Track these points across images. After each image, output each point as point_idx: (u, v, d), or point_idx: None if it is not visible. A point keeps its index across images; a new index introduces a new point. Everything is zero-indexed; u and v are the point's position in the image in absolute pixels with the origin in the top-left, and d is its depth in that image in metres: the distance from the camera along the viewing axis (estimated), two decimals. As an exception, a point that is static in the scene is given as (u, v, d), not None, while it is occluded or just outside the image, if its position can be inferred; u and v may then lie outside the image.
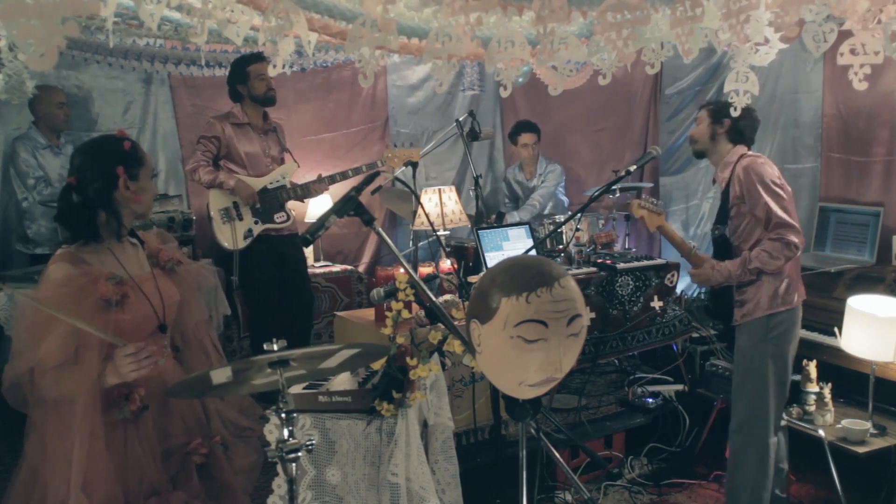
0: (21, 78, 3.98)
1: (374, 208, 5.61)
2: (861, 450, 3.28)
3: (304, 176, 4.96)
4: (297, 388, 2.40)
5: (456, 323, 2.04)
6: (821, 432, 3.37)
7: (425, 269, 3.74)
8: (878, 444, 3.32)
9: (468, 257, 4.61)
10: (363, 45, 2.21)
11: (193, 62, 4.86)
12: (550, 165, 5.55)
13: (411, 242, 4.93)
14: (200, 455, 2.18)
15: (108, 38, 3.56)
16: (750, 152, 3.13)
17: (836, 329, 3.48)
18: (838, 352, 3.52)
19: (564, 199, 5.64)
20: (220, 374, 1.73)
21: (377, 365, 2.51)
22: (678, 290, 4.34)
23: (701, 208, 5.90)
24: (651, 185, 5.84)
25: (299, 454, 1.77)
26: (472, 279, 3.44)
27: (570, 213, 5.18)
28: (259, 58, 4.27)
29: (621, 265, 3.91)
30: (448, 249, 4.72)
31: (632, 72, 5.43)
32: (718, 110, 3.14)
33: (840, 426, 3.41)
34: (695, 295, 4.98)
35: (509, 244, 4.01)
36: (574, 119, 6.20)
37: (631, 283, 3.95)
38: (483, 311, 1.56)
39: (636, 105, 5.98)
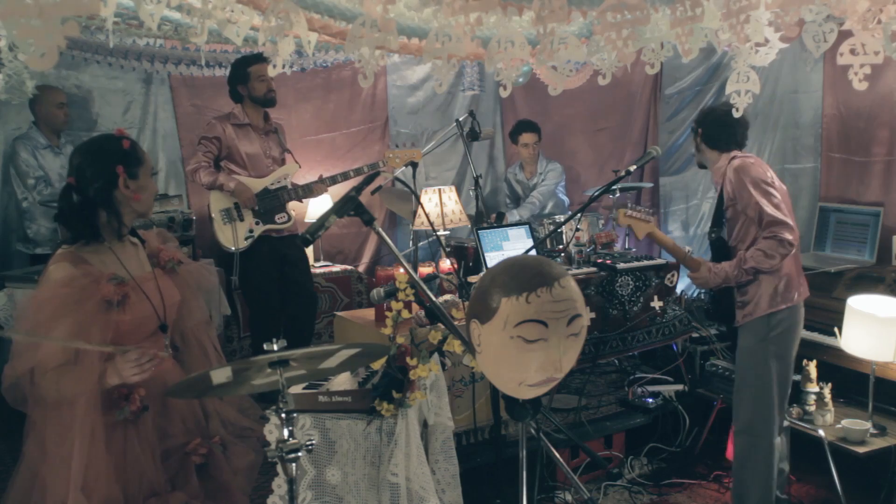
0: (21, 78, 3.98)
1: (374, 208, 5.61)
2: (861, 450, 3.27)
3: (304, 176, 4.96)
4: (297, 388, 2.40)
5: (456, 323, 2.04)
6: (821, 432, 3.37)
7: (425, 269, 3.74)
8: (878, 444, 3.32)
9: (468, 257, 4.60)
10: (363, 45, 2.21)
11: (193, 62, 4.87)
12: (550, 164, 5.55)
13: (411, 242, 4.94)
14: (199, 455, 2.18)
15: (108, 38, 3.57)
16: (741, 154, 3.14)
17: (836, 329, 3.48)
18: (838, 352, 3.52)
19: (565, 198, 5.64)
20: (220, 375, 1.73)
21: (377, 365, 2.51)
22: (678, 290, 4.34)
23: (701, 208, 5.90)
24: (651, 185, 5.84)
25: (299, 454, 1.77)
26: (472, 279, 3.44)
27: (570, 213, 5.18)
28: (260, 58, 4.27)
29: (621, 265, 3.91)
30: (448, 249, 4.72)
31: (632, 72, 5.42)
32: (696, 120, 3.26)
33: (840, 426, 3.41)
34: (695, 295, 4.98)
35: (509, 244, 4.01)
36: (574, 119, 6.20)
37: (631, 283, 3.95)
38: (483, 310, 1.56)
39: (636, 105, 5.98)
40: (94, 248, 2.09)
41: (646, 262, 4.00)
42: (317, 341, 5.10)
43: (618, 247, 4.61)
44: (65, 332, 1.92)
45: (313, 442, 1.93)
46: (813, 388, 3.58)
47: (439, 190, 4.95)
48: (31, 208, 4.47)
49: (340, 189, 4.59)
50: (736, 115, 2.45)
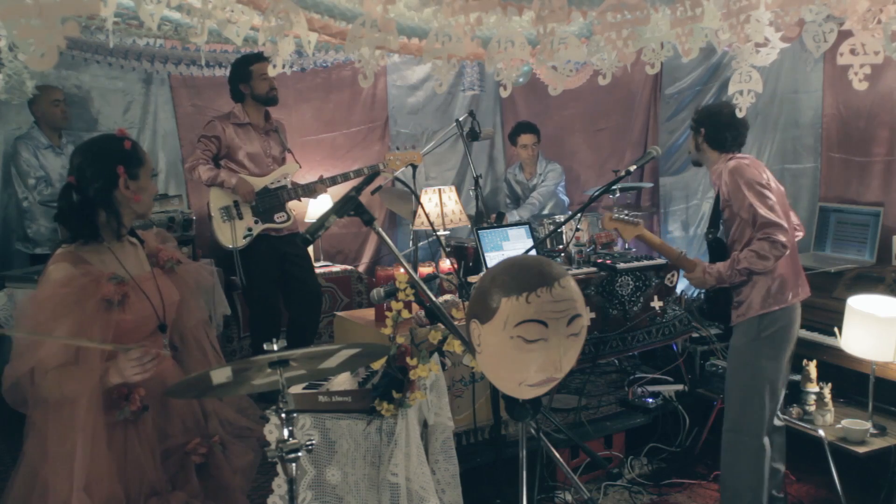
0: (21, 78, 3.98)
1: (374, 208, 5.60)
2: (861, 450, 3.27)
3: (304, 176, 4.96)
4: (297, 388, 2.40)
5: (456, 323, 2.04)
6: (821, 432, 3.37)
7: (425, 269, 3.74)
8: (878, 444, 3.32)
9: (468, 257, 4.60)
10: (363, 45, 2.21)
11: (193, 62, 4.87)
12: (550, 165, 5.56)
13: (411, 242, 4.94)
14: (199, 455, 2.18)
15: (108, 38, 3.57)
16: (738, 155, 3.13)
17: (836, 329, 3.48)
18: (838, 352, 3.52)
19: (565, 198, 5.64)
20: (221, 375, 1.73)
21: (377, 365, 2.51)
22: (678, 290, 4.34)
23: (701, 208, 5.90)
24: (651, 185, 5.84)
25: (299, 454, 1.77)
26: (472, 279, 3.44)
27: (570, 213, 5.18)
28: (262, 57, 4.27)
29: (621, 265, 3.91)
30: (448, 249, 4.72)
31: (632, 72, 5.42)
32: (697, 120, 3.22)
33: (840, 426, 3.41)
34: (695, 295, 4.98)
35: (509, 244, 4.01)
36: (574, 119, 6.20)
37: (631, 283, 3.95)
38: (483, 310, 1.56)
39: (636, 105, 5.98)
40: (94, 247, 2.09)
41: (646, 262, 4.00)
42: (317, 341, 5.10)
43: (618, 247, 4.61)
44: (65, 331, 1.92)
45: (313, 442, 1.93)
46: (813, 388, 3.58)
47: (439, 190, 4.95)
48: (31, 208, 4.47)
49: (340, 190, 4.59)
50: (739, 115, 2.45)
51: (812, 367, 3.61)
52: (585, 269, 3.91)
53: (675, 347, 4.31)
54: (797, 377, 3.64)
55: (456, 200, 5.01)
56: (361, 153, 5.84)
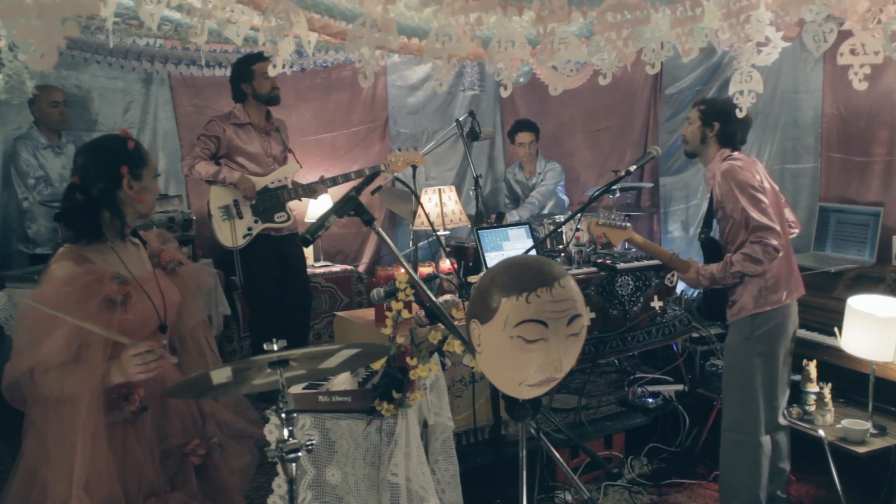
0: (21, 78, 3.99)
1: (374, 208, 5.61)
2: (861, 450, 3.27)
3: (304, 176, 4.96)
4: (297, 388, 2.40)
5: (456, 323, 2.04)
6: (821, 432, 3.37)
7: (425, 269, 3.74)
8: (878, 444, 3.32)
9: (468, 257, 4.61)
10: (363, 45, 2.21)
11: (193, 62, 4.87)
12: (549, 164, 5.55)
13: (411, 242, 4.94)
14: (198, 456, 2.18)
15: (108, 38, 3.56)
16: (734, 154, 3.12)
17: (836, 329, 3.48)
18: (838, 352, 3.52)
19: (565, 198, 5.64)
20: (220, 375, 1.73)
21: (377, 365, 2.51)
22: (678, 290, 4.34)
23: (701, 208, 5.90)
24: (651, 185, 5.84)
25: (299, 454, 1.77)
26: (472, 279, 3.44)
27: (570, 212, 5.18)
28: (263, 57, 4.26)
29: (621, 265, 3.91)
30: (448, 249, 4.72)
31: (632, 72, 5.41)
32: (709, 113, 3.13)
33: (840, 426, 3.41)
34: (695, 295, 4.98)
35: (509, 244, 4.01)
36: (574, 119, 6.20)
37: (631, 283, 3.95)
38: (483, 310, 1.56)
39: (636, 105, 5.98)
40: (97, 247, 2.08)
41: (646, 262, 4.00)
42: (317, 341, 5.10)
43: (618, 247, 4.61)
44: (66, 330, 1.92)
45: (313, 442, 1.93)
46: (813, 388, 3.58)
47: (439, 190, 4.95)
48: (31, 208, 4.47)
49: (341, 190, 4.59)
50: (739, 115, 2.44)
51: (812, 367, 3.60)
52: (585, 269, 3.91)
53: (675, 347, 4.31)
54: (797, 377, 3.64)
55: (456, 200, 5.01)
56: (361, 153, 5.84)
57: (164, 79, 5.15)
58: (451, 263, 3.47)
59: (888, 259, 4.16)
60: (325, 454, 2.35)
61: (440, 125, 6.02)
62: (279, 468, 2.12)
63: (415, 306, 2.52)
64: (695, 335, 4.25)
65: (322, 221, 2.05)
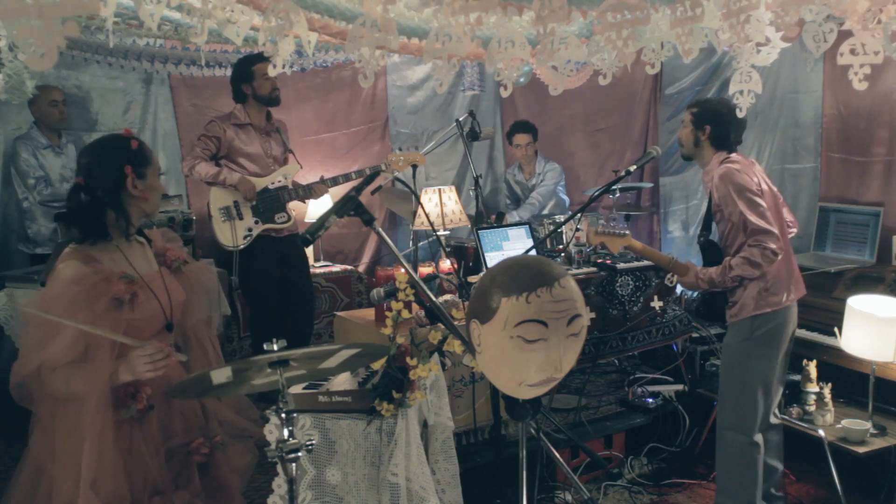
0: (21, 78, 3.99)
1: (374, 208, 5.61)
2: (861, 450, 3.28)
3: (304, 176, 4.96)
4: (297, 388, 2.40)
5: (456, 323, 2.04)
6: (821, 432, 3.37)
7: (425, 269, 3.74)
8: (878, 444, 3.32)
9: (468, 257, 4.61)
10: (363, 45, 2.21)
11: (193, 62, 4.87)
12: (549, 165, 5.55)
13: (411, 242, 4.93)
14: (202, 455, 2.18)
15: (108, 38, 3.57)
16: (732, 156, 3.11)
17: (836, 329, 3.48)
18: (838, 352, 3.52)
19: (565, 198, 5.64)
20: (221, 374, 1.73)
21: (377, 365, 2.51)
22: (678, 290, 4.34)
23: (701, 208, 5.90)
24: (651, 185, 5.84)
25: (299, 454, 1.77)
26: (472, 279, 3.44)
27: (570, 213, 5.18)
28: (264, 58, 4.26)
29: (621, 265, 3.91)
30: (448, 249, 4.72)
31: (632, 72, 5.42)
32: (700, 116, 3.13)
33: (840, 426, 3.41)
34: (695, 295, 4.98)
35: (509, 244, 4.01)
36: (574, 119, 6.20)
37: (631, 283, 3.95)
38: (483, 310, 1.56)
39: (636, 105, 5.98)
40: (103, 246, 2.08)
41: (646, 263, 4.00)
42: (317, 341, 5.10)
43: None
44: (73, 329, 1.92)
45: (313, 442, 1.93)
46: (813, 388, 3.58)
47: (439, 190, 4.95)
48: (31, 208, 4.47)
49: (341, 190, 4.59)
50: (739, 115, 2.44)
51: (812, 367, 3.61)
52: (585, 269, 3.91)
53: (675, 347, 4.31)
54: (797, 377, 3.64)
55: (456, 200, 5.01)
56: (361, 153, 5.84)
57: (164, 79, 5.15)
58: (451, 263, 3.47)
59: (888, 259, 4.16)
60: (325, 454, 2.35)
61: (440, 125, 6.02)
62: (279, 468, 2.12)
63: (415, 306, 2.52)
64: (695, 335, 4.25)
65: (322, 221, 2.05)
